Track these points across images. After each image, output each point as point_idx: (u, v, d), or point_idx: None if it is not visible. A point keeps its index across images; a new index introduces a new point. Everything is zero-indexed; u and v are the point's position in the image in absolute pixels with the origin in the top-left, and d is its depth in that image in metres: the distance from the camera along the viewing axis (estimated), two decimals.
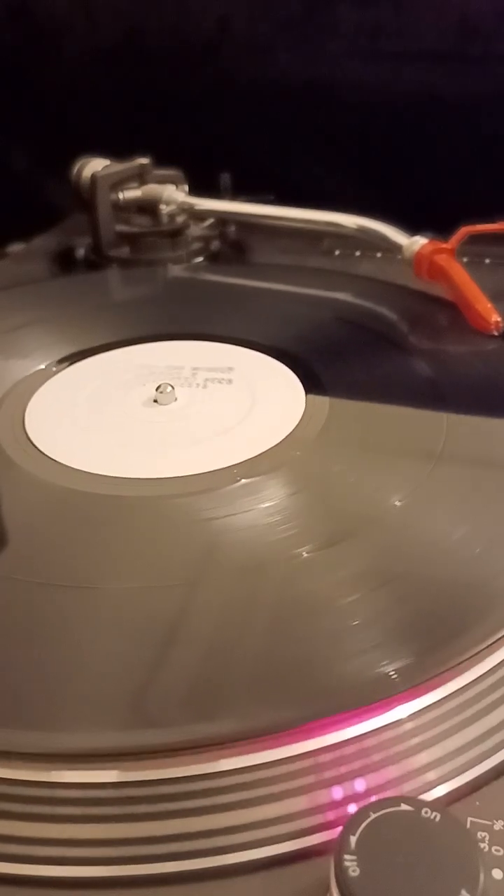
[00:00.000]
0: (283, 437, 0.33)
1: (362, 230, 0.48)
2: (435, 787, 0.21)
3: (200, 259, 0.53)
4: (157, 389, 0.36)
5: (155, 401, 0.36)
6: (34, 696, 0.22)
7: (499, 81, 0.59)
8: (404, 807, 0.18)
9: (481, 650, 0.22)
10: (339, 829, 0.18)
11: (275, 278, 0.48)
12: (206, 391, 0.36)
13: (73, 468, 0.31)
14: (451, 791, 0.21)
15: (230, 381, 0.37)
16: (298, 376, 0.37)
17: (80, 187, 0.55)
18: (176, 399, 0.36)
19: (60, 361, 0.40)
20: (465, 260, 0.45)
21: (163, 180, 0.54)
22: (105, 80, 0.69)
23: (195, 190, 0.55)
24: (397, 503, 0.28)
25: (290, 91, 0.64)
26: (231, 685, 0.21)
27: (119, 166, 0.53)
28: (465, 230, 0.44)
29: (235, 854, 0.19)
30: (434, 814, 0.18)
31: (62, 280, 0.52)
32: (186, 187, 0.55)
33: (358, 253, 0.52)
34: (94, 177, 0.52)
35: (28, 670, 0.22)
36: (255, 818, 0.20)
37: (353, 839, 0.17)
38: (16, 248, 0.57)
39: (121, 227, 0.53)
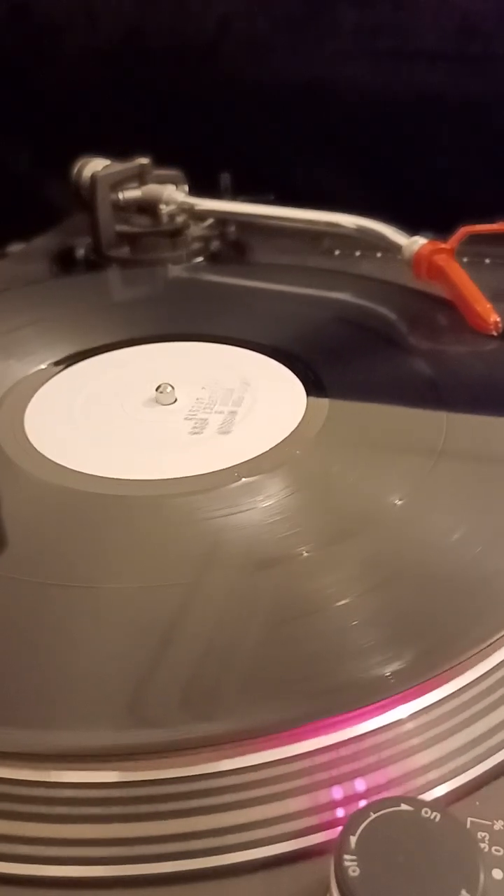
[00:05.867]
0: (284, 436, 0.33)
1: (362, 230, 0.48)
2: (435, 787, 0.21)
3: (200, 259, 0.53)
4: (156, 390, 0.36)
5: (155, 401, 0.36)
6: (34, 696, 0.22)
7: (499, 81, 0.59)
8: (404, 807, 0.18)
9: (481, 650, 0.22)
10: (339, 829, 0.18)
11: (275, 278, 0.48)
12: (207, 391, 0.36)
13: (72, 469, 0.31)
14: (451, 791, 0.21)
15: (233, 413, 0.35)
16: (298, 376, 0.37)
17: (80, 187, 0.55)
18: (176, 399, 0.36)
19: (60, 361, 0.40)
20: (465, 260, 0.45)
21: (163, 180, 0.54)
22: (105, 80, 0.69)
23: (195, 190, 0.55)
24: (397, 502, 0.28)
25: (290, 91, 0.64)
26: (231, 685, 0.21)
27: (119, 166, 0.53)
28: (464, 230, 0.44)
29: (235, 854, 0.19)
30: (434, 814, 0.18)
31: (62, 280, 0.52)
32: (186, 187, 0.55)
33: (358, 253, 0.52)
34: (94, 177, 0.52)
35: (27, 670, 0.22)
36: (255, 818, 0.20)
37: (353, 839, 0.17)
38: (16, 248, 0.57)
39: (121, 227, 0.53)
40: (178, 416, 0.35)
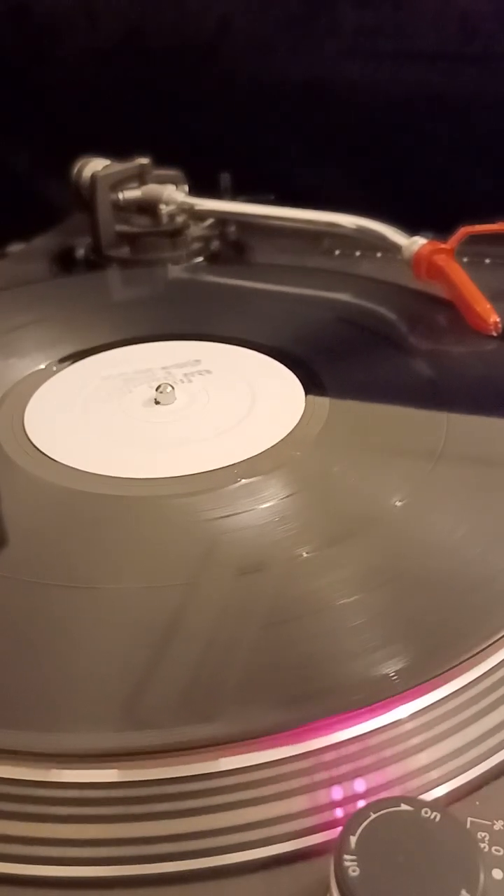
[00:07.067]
0: (283, 436, 0.33)
1: (362, 230, 0.48)
2: (435, 787, 0.21)
3: (200, 259, 0.53)
4: (157, 389, 0.36)
5: (155, 401, 0.36)
6: (34, 696, 0.22)
7: (499, 81, 0.59)
8: (404, 807, 0.18)
9: (481, 650, 0.22)
10: (339, 829, 0.18)
11: (275, 278, 0.48)
12: (206, 391, 0.36)
13: (72, 468, 0.31)
14: (451, 791, 0.21)
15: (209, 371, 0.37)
16: (298, 376, 0.37)
17: (80, 187, 0.55)
18: (176, 399, 0.36)
19: (60, 361, 0.40)
20: (465, 260, 0.45)
21: (163, 180, 0.54)
22: (105, 80, 0.69)
23: (195, 190, 0.55)
24: (397, 503, 0.28)
25: (290, 91, 0.64)
26: (231, 685, 0.21)
27: (119, 166, 0.53)
28: (464, 230, 0.44)
29: (235, 854, 0.19)
30: (434, 814, 0.18)
31: (62, 280, 0.52)
32: (186, 187, 0.55)
33: (358, 253, 0.52)
34: (94, 177, 0.52)
35: (27, 670, 0.22)
36: (255, 818, 0.20)
37: (353, 839, 0.17)
38: (16, 248, 0.57)
39: (121, 227, 0.53)
40: (178, 416, 0.35)
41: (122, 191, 0.53)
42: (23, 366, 0.39)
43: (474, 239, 0.44)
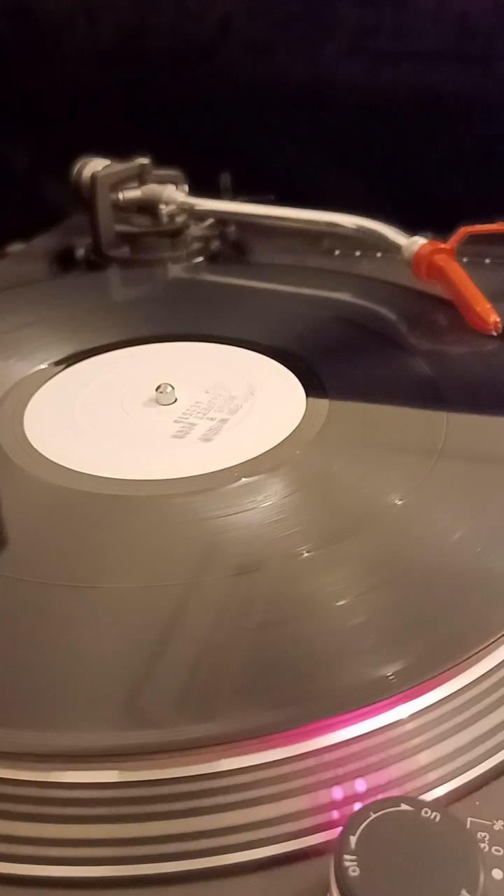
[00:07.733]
0: (284, 436, 0.33)
1: (362, 230, 0.48)
2: (435, 787, 0.21)
3: (200, 259, 0.53)
4: (156, 390, 0.36)
5: (155, 401, 0.36)
6: (34, 696, 0.22)
7: (498, 81, 0.59)
8: (404, 807, 0.18)
9: (481, 650, 0.22)
10: (339, 829, 0.18)
11: (275, 278, 0.48)
12: (207, 391, 0.36)
13: (72, 469, 0.31)
14: (451, 791, 0.21)
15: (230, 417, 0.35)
16: (298, 376, 0.37)
17: (80, 187, 0.55)
18: (175, 400, 0.36)
19: (60, 361, 0.40)
20: (464, 260, 0.45)
21: (163, 180, 0.54)
22: (105, 80, 0.69)
23: (195, 190, 0.55)
24: (397, 502, 0.28)
25: (289, 91, 0.64)
26: (231, 685, 0.22)
27: (119, 166, 0.53)
28: (464, 230, 0.44)
29: (235, 854, 0.19)
30: (434, 814, 0.18)
31: (62, 280, 0.52)
32: (186, 187, 0.55)
33: (358, 253, 0.52)
34: (94, 177, 0.52)
35: (27, 670, 0.22)
36: (255, 818, 0.20)
37: (353, 839, 0.17)
38: (16, 248, 0.57)
39: (121, 227, 0.53)
40: (178, 416, 0.35)
41: (122, 191, 0.53)
42: (23, 366, 0.39)
43: (474, 239, 0.44)
